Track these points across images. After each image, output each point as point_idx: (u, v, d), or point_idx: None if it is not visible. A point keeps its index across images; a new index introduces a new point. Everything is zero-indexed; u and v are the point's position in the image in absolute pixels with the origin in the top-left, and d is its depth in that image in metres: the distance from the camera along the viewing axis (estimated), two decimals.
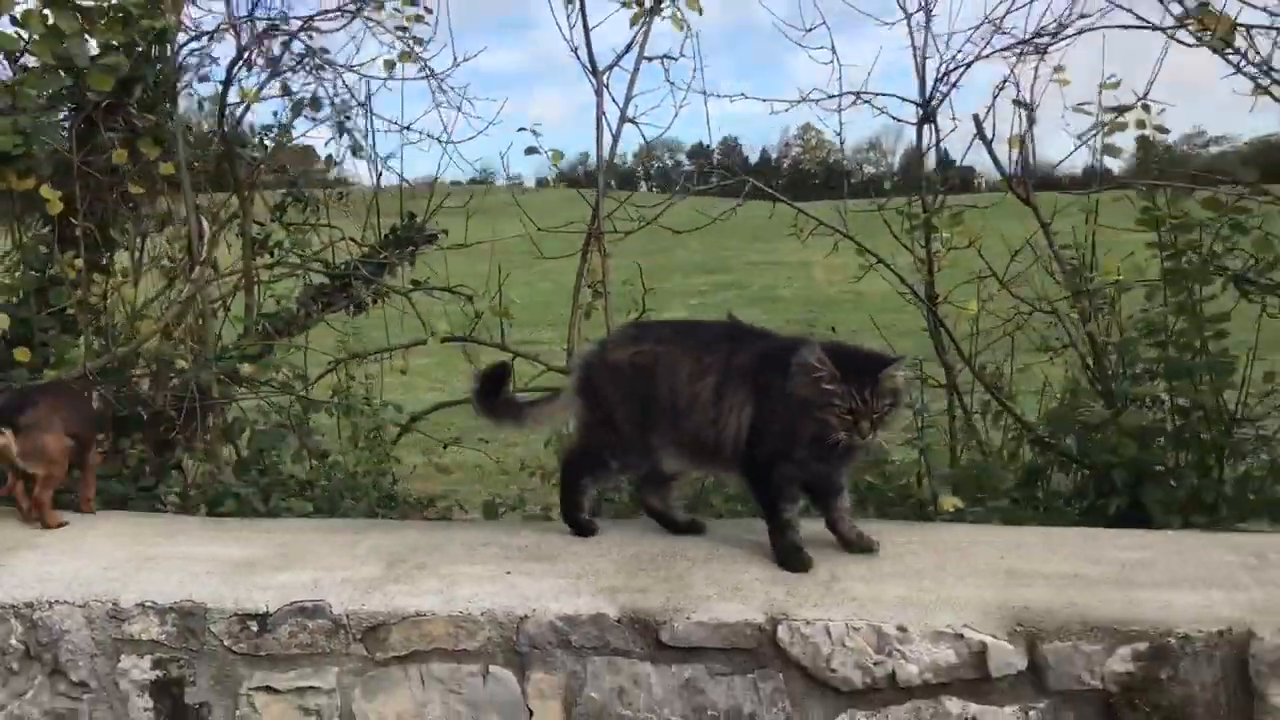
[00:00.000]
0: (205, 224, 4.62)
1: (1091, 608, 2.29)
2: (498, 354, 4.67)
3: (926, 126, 4.53)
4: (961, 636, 2.26)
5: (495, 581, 2.51)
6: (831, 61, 4.37)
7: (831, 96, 4.42)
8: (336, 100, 5.40)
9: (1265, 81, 3.46)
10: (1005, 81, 4.32)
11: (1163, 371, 3.85)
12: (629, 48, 4.52)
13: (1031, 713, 2.26)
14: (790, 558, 2.56)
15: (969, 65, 4.41)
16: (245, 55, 4.65)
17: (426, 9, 5.06)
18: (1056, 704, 2.25)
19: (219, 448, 4.51)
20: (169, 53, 4.58)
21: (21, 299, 4.50)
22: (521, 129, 4.26)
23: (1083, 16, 4.18)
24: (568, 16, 4.45)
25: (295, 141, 5.32)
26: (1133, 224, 3.99)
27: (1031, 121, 4.32)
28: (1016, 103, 4.30)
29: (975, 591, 2.39)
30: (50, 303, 4.55)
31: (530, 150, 4.27)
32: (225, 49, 4.97)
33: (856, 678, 2.30)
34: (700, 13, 4.58)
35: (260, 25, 4.57)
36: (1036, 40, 4.28)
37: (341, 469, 3.96)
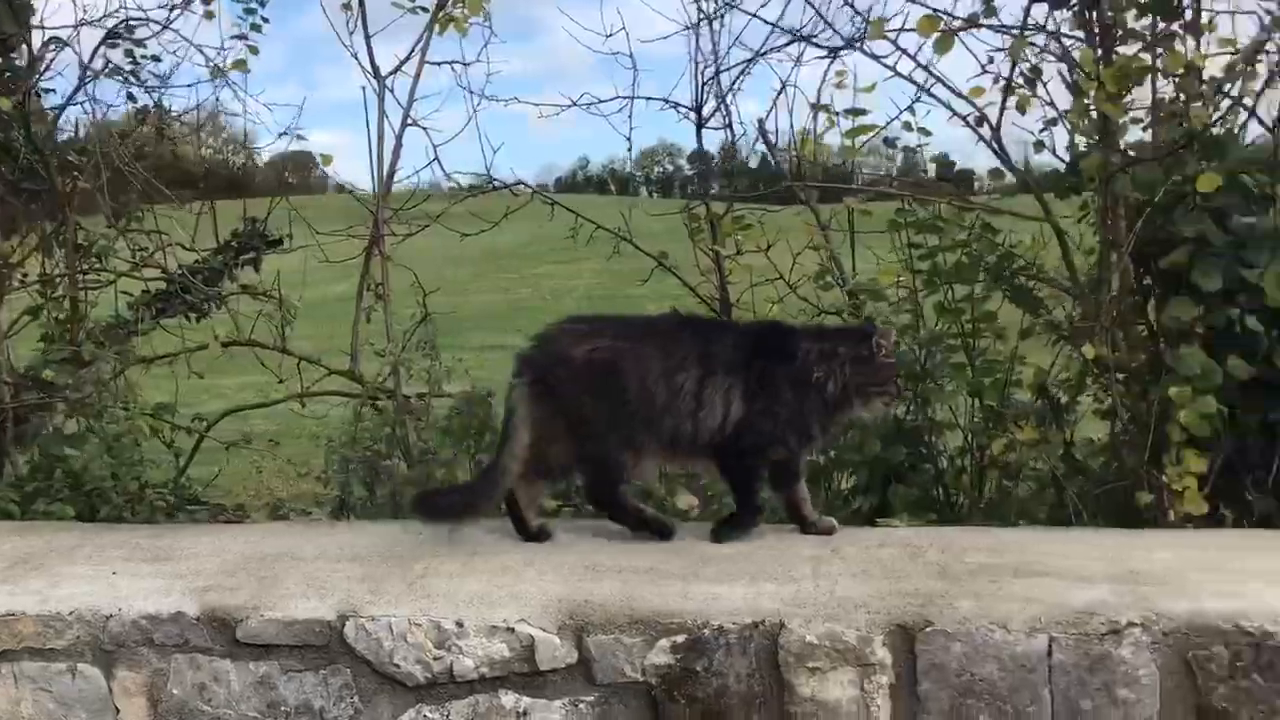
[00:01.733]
0: None
1: (644, 600, 2.32)
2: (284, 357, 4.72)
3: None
4: (513, 630, 2.30)
5: (96, 581, 2.56)
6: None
7: (603, 101, 4.47)
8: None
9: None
10: (784, 85, 4.34)
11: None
12: (411, 53, 4.60)
13: (581, 705, 2.29)
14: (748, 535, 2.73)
15: (747, 67, 4.44)
16: (40, 64, 4.74)
17: (264, 18, 5.13)
18: (606, 696, 2.29)
19: (16, 454, 4.58)
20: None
21: None
22: (283, 134, 4.32)
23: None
24: (347, 23, 4.52)
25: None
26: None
27: (825, 123, 4.34)
28: (814, 106, 4.32)
29: (548, 586, 2.42)
30: None
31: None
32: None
33: (418, 673, 2.34)
34: (483, 17, 4.63)
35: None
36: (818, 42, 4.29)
37: (96, 474, 4.01)
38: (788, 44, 4.22)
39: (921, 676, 2.17)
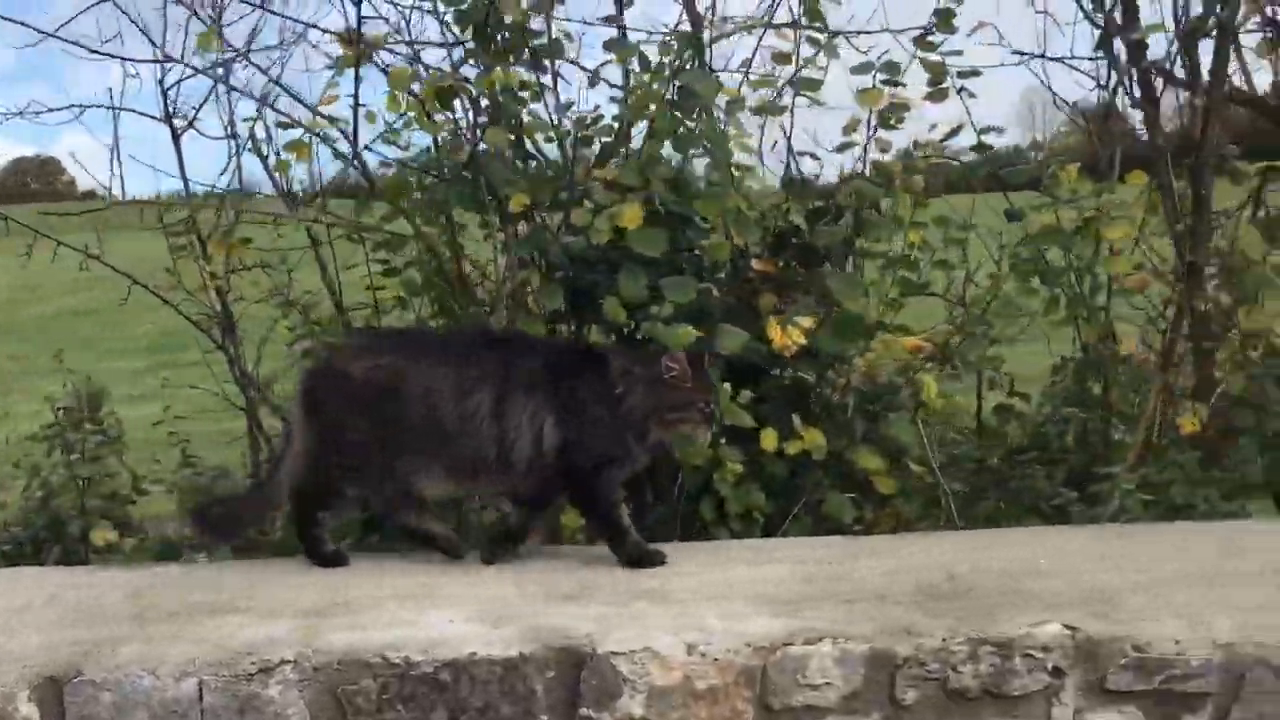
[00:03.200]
0: None
1: None
2: None
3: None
4: None
5: None
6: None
7: (85, 108, 4.17)
8: None
9: None
10: (262, 99, 4.14)
11: None
12: None
13: None
14: (646, 556, 2.51)
15: (226, 77, 4.24)
16: None
17: None
18: None
19: None
20: None
21: None
22: None
23: None
24: None
25: None
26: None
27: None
28: (323, 117, 4.15)
29: None
30: None
31: None
32: None
33: None
34: None
35: None
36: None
37: None
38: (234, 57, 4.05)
39: None
